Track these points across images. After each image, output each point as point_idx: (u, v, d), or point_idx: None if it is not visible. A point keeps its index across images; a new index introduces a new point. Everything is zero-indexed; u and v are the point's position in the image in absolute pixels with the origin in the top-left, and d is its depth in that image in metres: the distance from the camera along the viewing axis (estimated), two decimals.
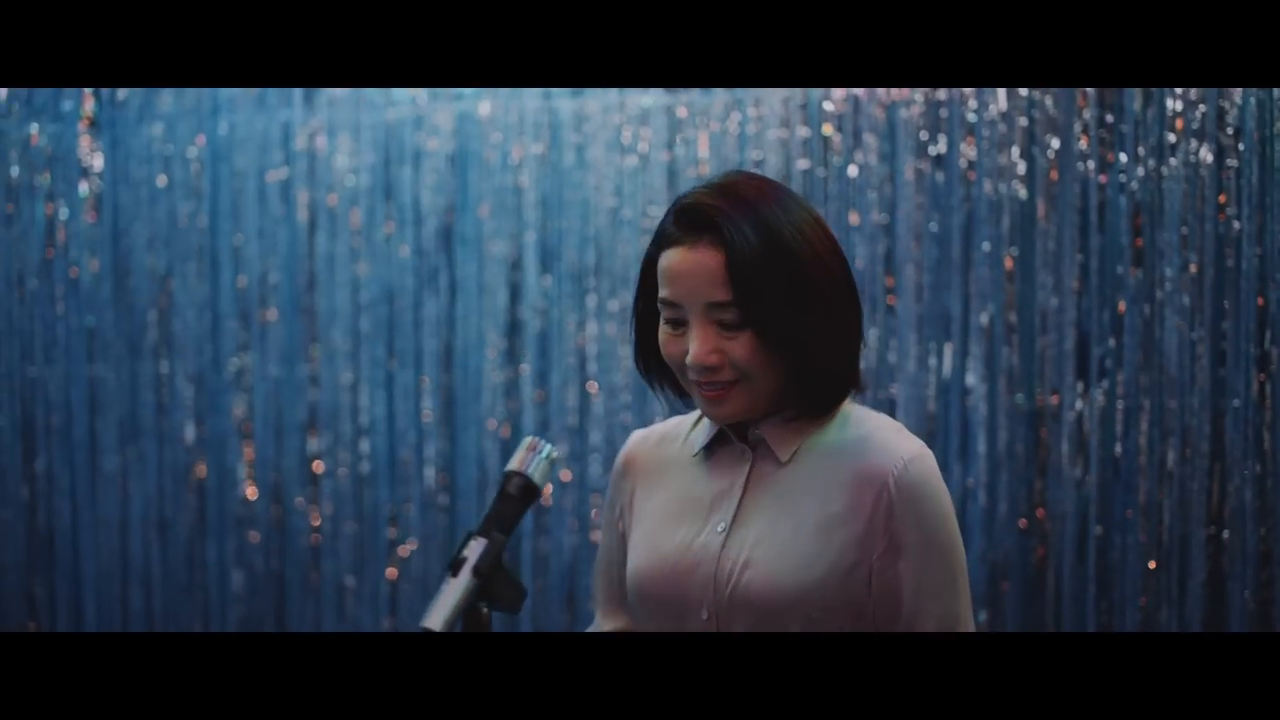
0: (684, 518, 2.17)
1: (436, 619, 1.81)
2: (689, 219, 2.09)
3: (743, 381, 2.08)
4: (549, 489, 3.92)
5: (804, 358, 2.08)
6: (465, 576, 1.84)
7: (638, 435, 2.31)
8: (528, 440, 1.99)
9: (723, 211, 2.07)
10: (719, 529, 2.13)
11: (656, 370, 2.21)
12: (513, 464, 1.94)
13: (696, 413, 2.24)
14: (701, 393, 2.10)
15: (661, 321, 2.12)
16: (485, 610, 1.85)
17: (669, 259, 2.09)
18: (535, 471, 1.93)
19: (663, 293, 2.10)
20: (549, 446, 1.94)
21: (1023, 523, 3.53)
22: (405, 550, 4.09)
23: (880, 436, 2.13)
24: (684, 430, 2.26)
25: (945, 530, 2.10)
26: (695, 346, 2.07)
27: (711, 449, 2.21)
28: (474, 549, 1.86)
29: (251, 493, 4.19)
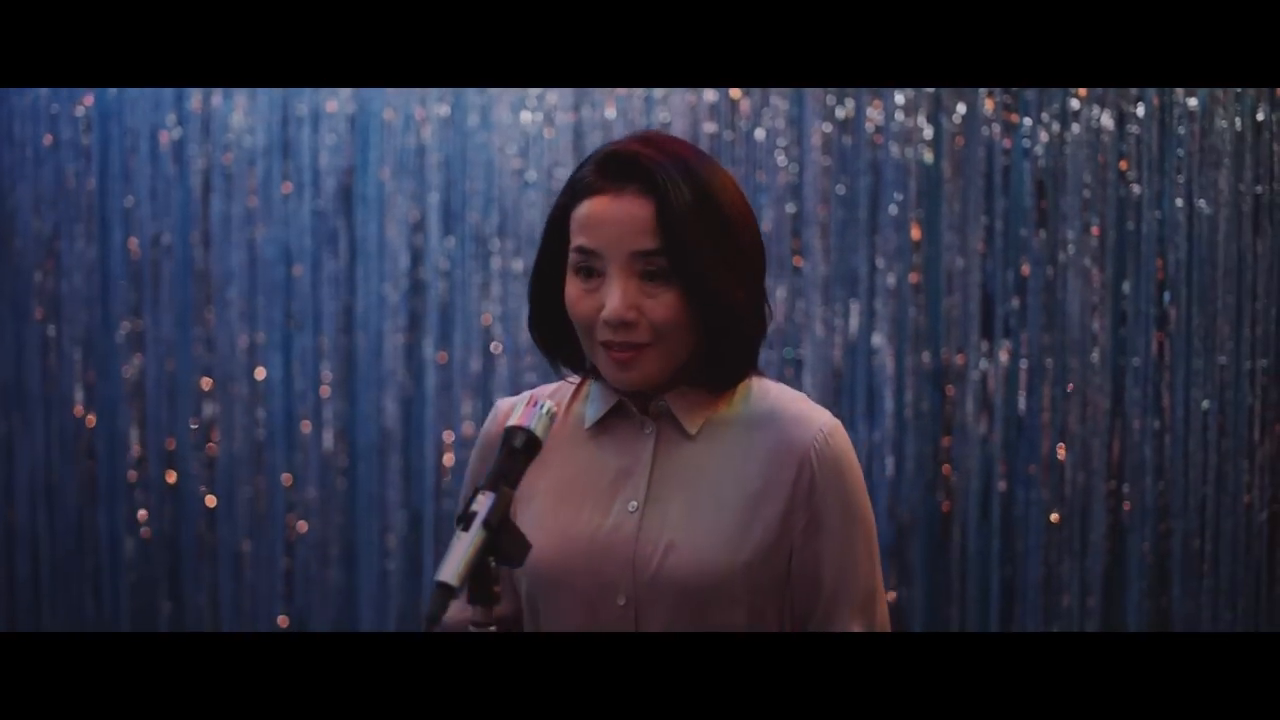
0: (585, 497, 2.07)
1: (451, 572, 1.79)
2: (615, 166, 2.01)
3: (656, 344, 2.00)
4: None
5: (724, 320, 2.00)
6: (476, 529, 1.81)
7: (508, 404, 2.17)
8: (527, 395, 1.99)
9: (653, 160, 2.00)
10: (630, 508, 2.05)
11: (553, 334, 2.11)
12: (515, 419, 1.90)
13: (573, 383, 2.15)
14: (610, 354, 2.01)
15: (570, 275, 2.03)
16: (492, 564, 1.85)
17: (589, 207, 2.01)
18: (537, 426, 1.90)
19: (579, 240, 2.01)
20: (549, 402, 1.91)
21: (929, 480, 3.61)
22: (303, 525, 4.06)
23: (792, 409, 2.07)
24: (563, 400, 2.15)
25: (862, 503, 2.07)
26: (614, 299, 1.98)
27: (606, 421, 2.11)
28: (483, 503, 1.82)
29: (143, 458, 4.12)
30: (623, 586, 2.03)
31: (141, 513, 4.11)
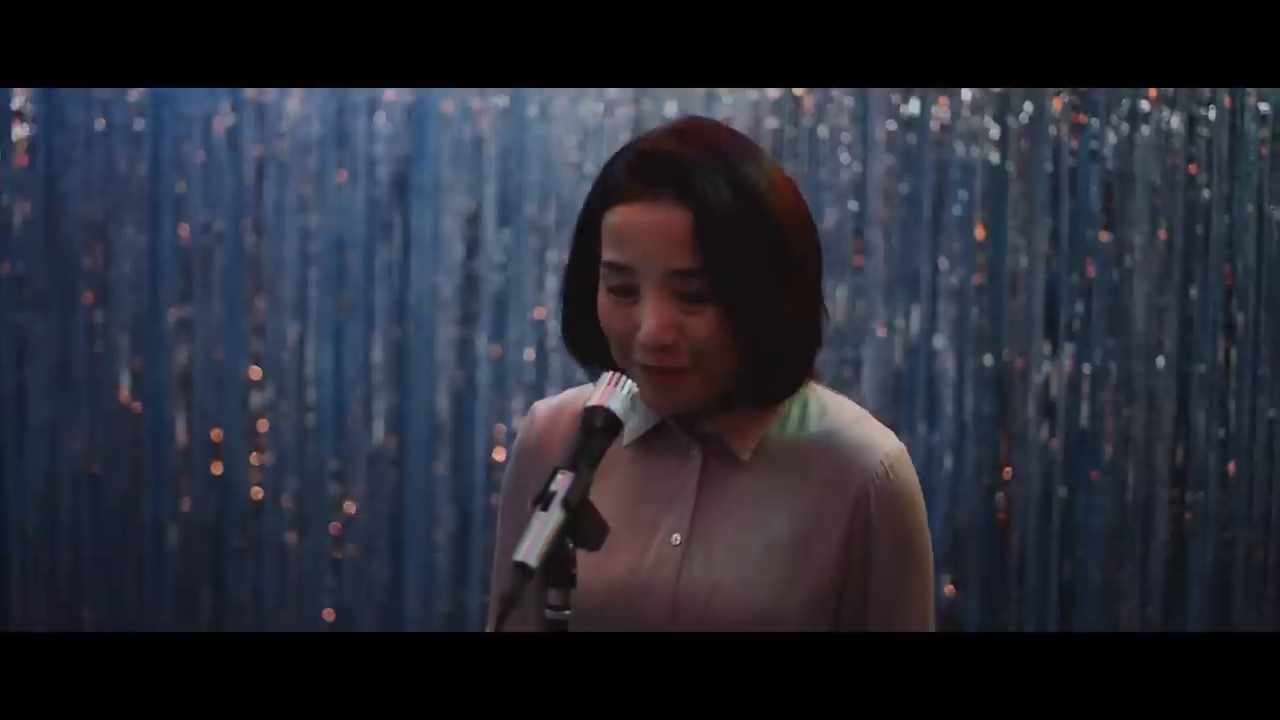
0: (625, 527, 1.87)
1: (530, 553, 1.69)
2: (648, 168, 1.79)
3: (698, 367, 1.81)
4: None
5: (773, 336, 1.82)
6: (555, 510, 1.69)
7: (547, 409, 2.01)
8: (608, 375, 1.81)
9: (690, 161, 1.78)
10: (674, 540, 1.88)
11: (589, 345, 1.91)
12: (595, 399, 1.76)
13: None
14: (650, 378, 1.82)
15: (603, 289, 1.83)
16: (571, 546, 1.78)
17: (620, 216, 1.80)
18: (618, 405, 1.76)
19: (610, 255, 1.81)
20: (630, 382, 1.78)
21: (988, 484, 3.55)
22: (350, 507, 4.02)
23: (854, 433, 1.89)
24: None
25: (920, 545, 1.90)
26: (651, 321, 1.79)
27: (647, 441, 1.92)
28: (562, 483, 1.70)
29: (190, 446, 4.08)
30: (661, 627, 1.85)
31: (185, 501, 4.07)
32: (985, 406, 3.55)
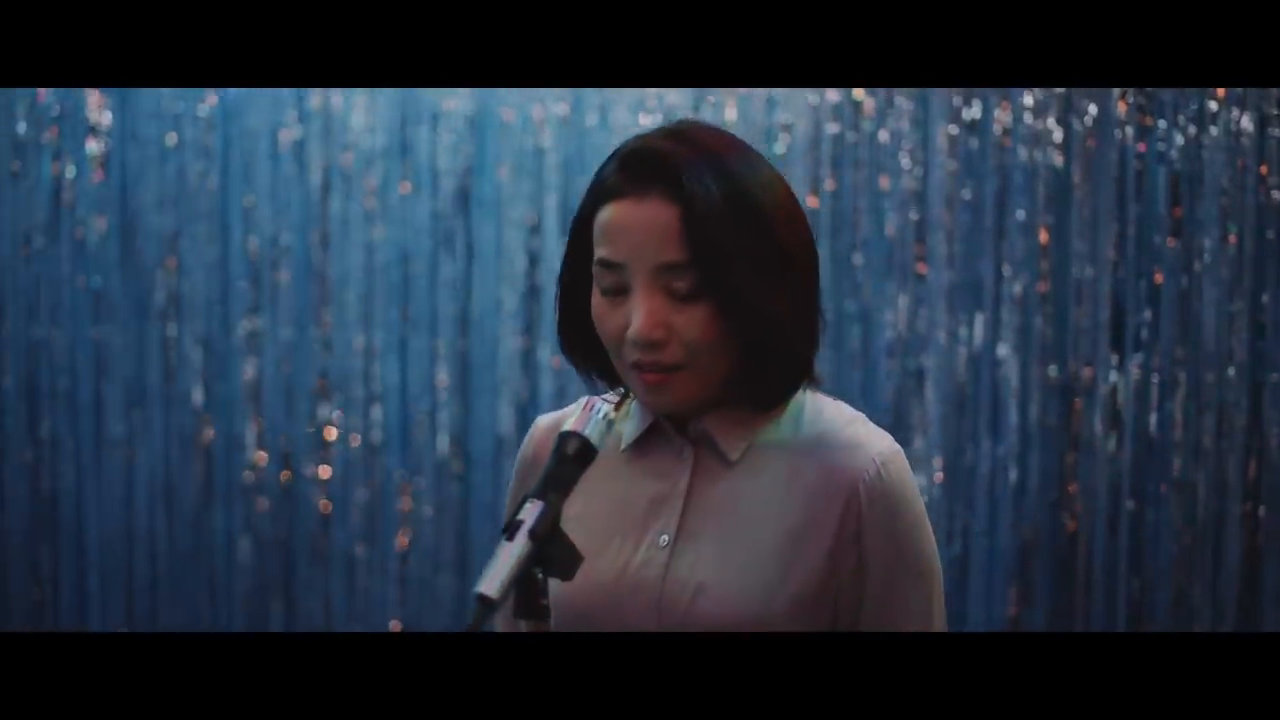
0: (616, 528, 1.88)
1: (492, 585, 1.68)
2: (637, 166, 1.78)
3: (690, 365, 1.79)
4: None
5: (765, 337, 1.79)
6: (521, 540, 1.67)
7: (547, 423, 2.01)
8: (584, 400, 1.82)
9: (679, 158, 1.76)
10: (661, 542, 1.85)
11: (582, 348, 1.90)
12: (569, 425, 1.74)
13: (617, 396, 1.94)
14: (641, 376, 1.80)
15: (596, 290, 1.82)
16: (540, 576, 1.74)
17: (610, 213, 1.79)
18: (592, 432, 1.73)
19: (601, 252, 1.79)
20: (606, 406, 1.74)
21: (1054, 497, 3.46)
22: (417, 519, 4.01)
23: (845, 434, 1.85)
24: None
25: (917, 546, 1.84)
26: (640, 318, 1.77)
27: (642, 442, 1.91)
28: (530, 512, 1.68)
29: (260, 459, 4.10)
30: (648, 628, 1.83)
31: (261, 501, 4.09)
32: (1050, 417, 3.46)
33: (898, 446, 1.86)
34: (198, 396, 4.14)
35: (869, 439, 1.86)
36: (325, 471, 4.06)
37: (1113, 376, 3.40)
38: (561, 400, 3.85)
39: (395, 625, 4.01)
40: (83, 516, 4.18)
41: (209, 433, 4.13)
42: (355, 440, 4.04)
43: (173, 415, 4.15)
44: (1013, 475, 3.49)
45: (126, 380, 4.16)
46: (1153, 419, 3.36)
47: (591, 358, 1.91)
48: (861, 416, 1.90)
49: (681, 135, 1.81)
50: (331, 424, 4.05)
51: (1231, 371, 3.28)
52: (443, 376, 3.98)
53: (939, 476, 3.53)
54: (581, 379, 1.94)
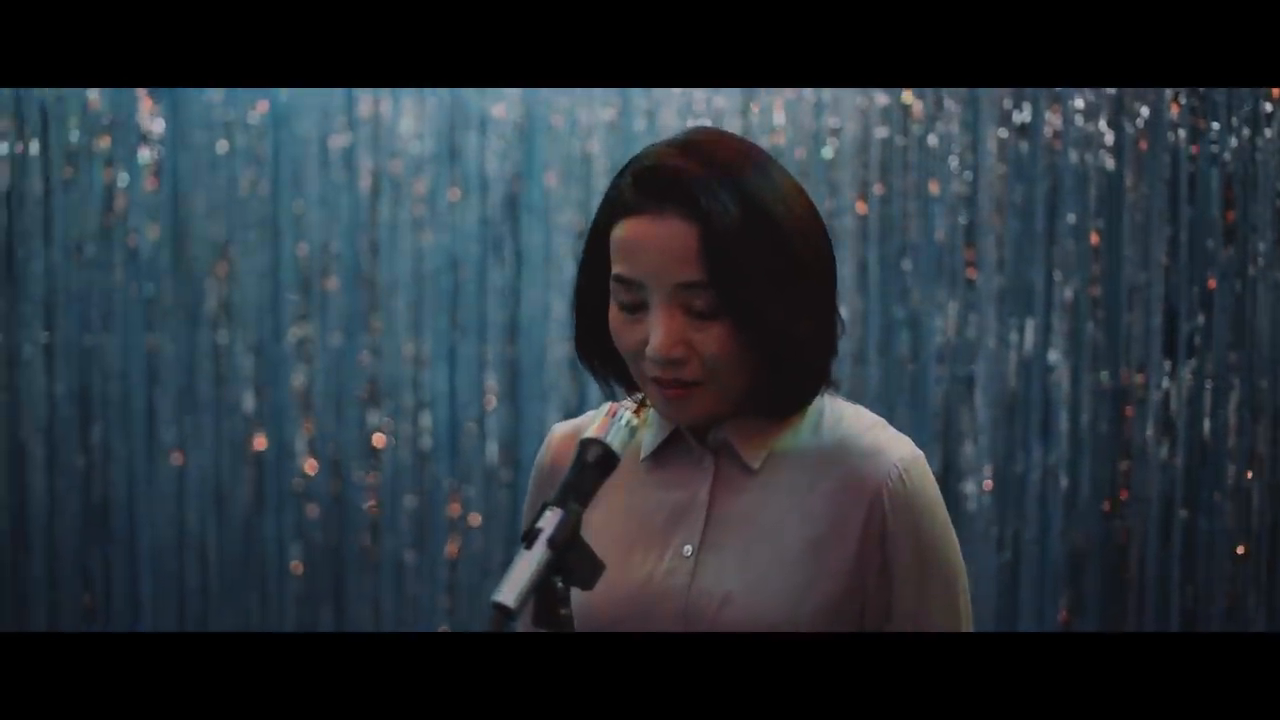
0: (639, 538, 1.88)
1: (510, 594, 1.66)
2: (652, 183, 1.77)
3: (709, 381, 1.79)
4: None
5: (782, 349, 1.79)
6: (540, 549, 1.66)
7: (563, 430, 2.00)
8: (607, 406, 1.79)
9: (695, 176, 1.75)
10: (685, 551, 1.85)
11: (600, 357, 1.90)
12: (591, 431, 1.74)
13: (634, 403, 1.93)
14: (661, 391, 1.81)
15: (613, 303, 1.82)
16: (560, 585, 1.72)
17: (627, 229, 1.78)
18: (614, 439, 1.73)
19: (619, 269, 1.79)
20: (628, 413, 1.74)
21: (1106, 505, 3.41)
22: (473, 517, 4.00)
23: (866, 440, 1.85)
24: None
25: (942, 551, 1.83)
26: (658, 336, 1.77)
27: (662, 452, 1.91)
28: (549, 520, 1.67)
29: (310, 466, 4.10)
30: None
31: (312, 508, 4.09)
32: (1102, 424, 3.41)
33: (919, 451, 1.86)
34: (248, 403, 4.14)
35: (890, 444, 1.85)
36: (374, 478, 4.05)
37: (1165, 383, 3.35)
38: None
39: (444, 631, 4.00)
40: (134, 524, 4.19)
41: (260, 440, 4.13)
42: (404, 447, 4.03)
43: (223, 422, 4.15)
44: (1064, 483, 3.44)
45: (178, 387, 4.17)
46: (1206, 425, 3.31)
47: (609, 365, 1.91)
48: (881, 421, 1.89)
49: (696, 149, 1.80)
50: (380, 431, 4.04)
51: None
52: (491, 383, 3.97)
53: (988, 484, 3.49)
54: (599, 386, 1.94)
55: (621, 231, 1.79)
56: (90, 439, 4.17)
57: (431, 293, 4.00)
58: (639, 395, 1.94)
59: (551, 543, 1.69)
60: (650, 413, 1.93)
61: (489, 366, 3.97)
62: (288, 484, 4.11)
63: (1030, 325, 3.47)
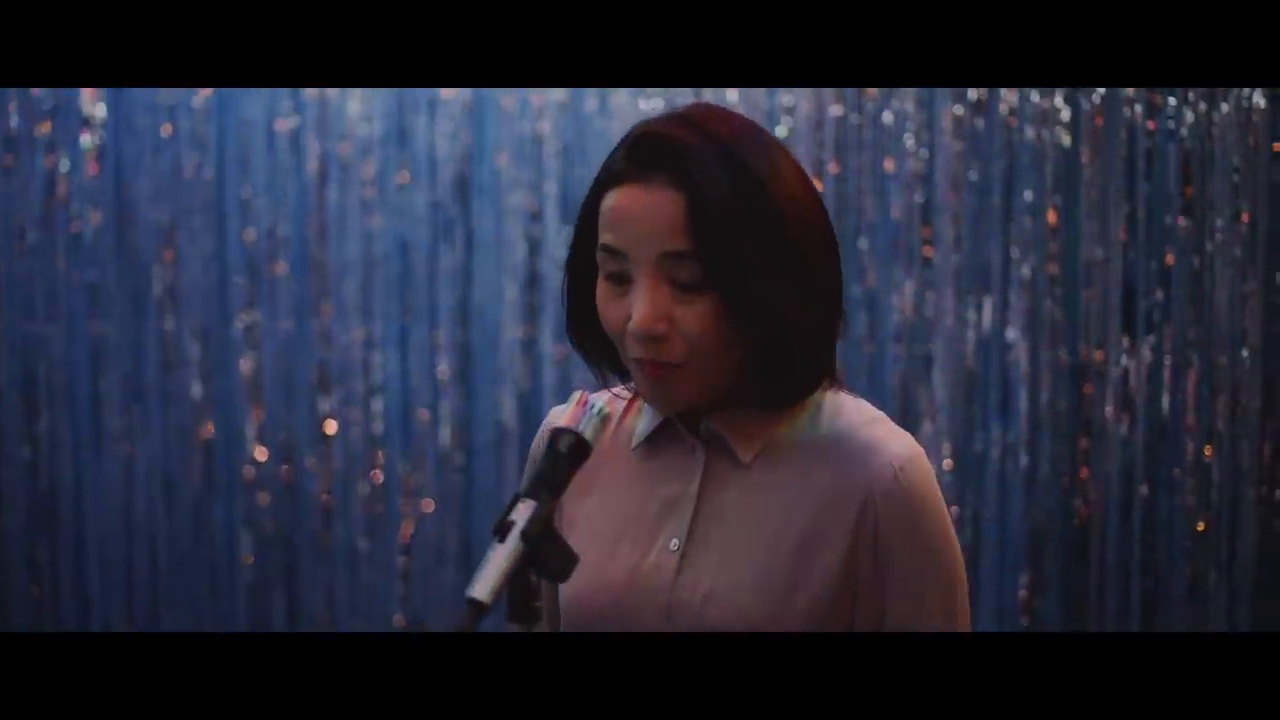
0: (626, 530, 1.82)
1: (483, 588, 1.61)
2: (644, 152, 1.72)
3: (691, 362, 1.72)
4: None
5: (772, 335, 1.73)
6: (513, 541, 1.60)
7: (561, 413, 1.84)
8: (577, 395, 1.73)
9: (686, 144, 1.70)
10: (672, 546, 1.79)
11: (591, 339, 1.84)
12: (562, 421, 1.69)
13: (629, 393, 1.89)
14: (644, 371, 1.74)
15: (601, 278, 1.76)
16: (534, 579, 1.69)
17: (615, 199, 1.72)
18: (587, 429, 1.67)
19: (605, 238, 1.73)
20: (600, 402, 1.70)
21: (1065, 483, 3.41)
22: (419, 512, 3.96)
23: (863, 435, 1.78)
24: (617, 412, 1.88)
25: (940, 553, 1.77)
26: (641, 308, 1.71)
27: (654, 441, 1.85)
28: (522, 512, 1.61)
29: (260, 453, 4.05)
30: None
31: (262, 495, 4.04)
32: (1061, 402, 3.40)
33: (919, 448, 1.79)
34: (196, 391, 4.08)
35: (886, 441, 1.78)
36: (325, 465, 4.01)
37: (1124, 359, 3.34)
38: (564, 389, 3.79)
39: (399, 620, 3.96)
40: (82, 513, 4.13)
41: (208, 427, 4.08)
42: (356, 433, 3.98)
43: (171, 410, 4.10)
44: (1023, 461, 3.43)
45: (124, 375, 4.11)
46: (1165, 402, 3.30)
47: (600, 350, 1.85)
48: (881, 416, 1.82)
49: (693, 121, 1.75)
50: (331, 417, 4.00)
51: (1245, 353, 3.21)
52: (443, 367, 3.93)
53: (948, 463, 3.48)
54: (592, 373, 1.88)
55: (610, 201, 1.74)
56: (36, 429, 4.11)
57: (382, 277, 3.95)
58: (632, 385, 1.89)
59: (525, 535, 1.64)
60: (643, 401, 1.88)
61: (441, 351, 3.93)
62: (237, 472, 4.06)
63: (988, 303, 3.45)
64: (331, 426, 4.00)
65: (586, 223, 1.79)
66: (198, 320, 4.06)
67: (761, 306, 1.71)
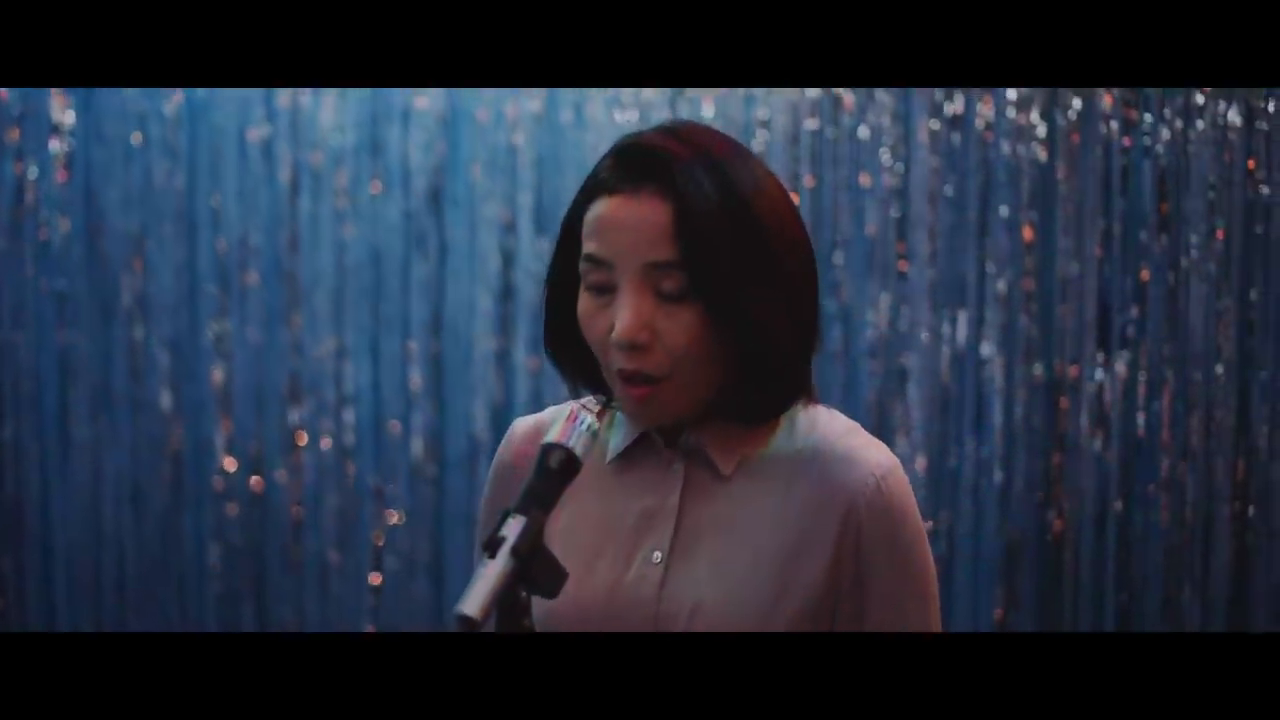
0: (605, 544, 1.82)
1: (474, 604, 1.61)
2: (632, 162, 1.73)
3: (674, 376, 1.73)
4: None
5: (754, 347, 1.74)
6: (504, 558, 1.60)
7: (525, 428, 1.95)
8: (567, 409, 1.72)
9: (674, 155, 1.72)
10: (655, 559, 1.80)
11: (568, 352, 1.84)
12: (552, 436, 1.68)
13: (598, 404, 1.88)
14: (626, 387, 1.75)
15: (583, 289, 1.77)
16: (524, 595, 1.68)
17: (601, 208, 1.74)
18: (576, 444, 1.67)
19: (589, 247, 1.74)
20: (590, 417, 1.68)
21: (1040, 498, 3.40)
22: (390, 524, 3.94)
23: (841, 446, 1.80)
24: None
25: (918, 562, 1.79)
26: (625, 318, 1.71)
27: (630, 454, 1.85)
28: (512, 528, 1.61)
29: (230, 464, 4.02)
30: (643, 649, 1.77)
31: (231, 507, 4.01)
32: (1036, 417, 3.40)
33: (895, 459, 1.82)
34: (165, 400, 4.05)
35: (866, 452, 1.81)
36: (296, 476, 3.98)
37: (1099, 375, 3.34)
38: (536, 402, 3.78)
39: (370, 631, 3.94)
40: (48, 523, 4.09)
41: (177, 437, 4.05)
42: (327, 444, 3.96)
43: (140, 420, 4.06)
44: (997, 476, 3.43)
45: (92, 384, 4.07)
46: (1140, 418, 3.31)
47: (577, 363, 1.86)
48: (857, 427, 1.85)
49: (679, 134, 1.76)
50: (302, 428, 3.97)
51: (1219, 369, 3.22)
52: (416, 379, 3.91)
53: (923, 478, 3.48)
54: (565, 385, 1.88)
55: (596, 211, 1.75)
56: (1, 437, 4.07)
57: (354, 287, 3.93)
58: (602, 397, 1.89)
59: (515, 551, 1.64)
60: (617, 414, 1.88)
61: (413, 362, 3.91)
62: (207, 483, 4.03)
63: (963, 318, 3.45)
64: (302, 437, 3.98)
65: (569, 233, 1.80)
66: (167, 330, 4.03)
67: (744, 318, 1.72)
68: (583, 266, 1.76)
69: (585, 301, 1.77)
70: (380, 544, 3.94)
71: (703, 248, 1.71)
